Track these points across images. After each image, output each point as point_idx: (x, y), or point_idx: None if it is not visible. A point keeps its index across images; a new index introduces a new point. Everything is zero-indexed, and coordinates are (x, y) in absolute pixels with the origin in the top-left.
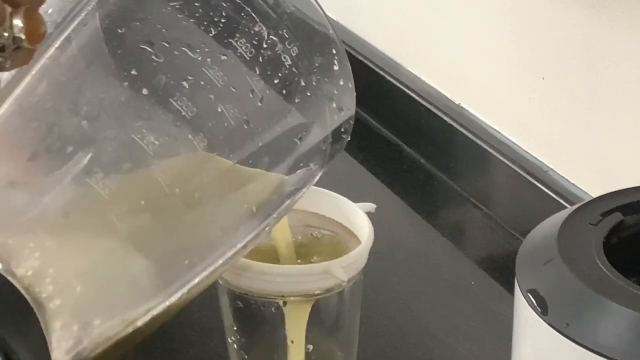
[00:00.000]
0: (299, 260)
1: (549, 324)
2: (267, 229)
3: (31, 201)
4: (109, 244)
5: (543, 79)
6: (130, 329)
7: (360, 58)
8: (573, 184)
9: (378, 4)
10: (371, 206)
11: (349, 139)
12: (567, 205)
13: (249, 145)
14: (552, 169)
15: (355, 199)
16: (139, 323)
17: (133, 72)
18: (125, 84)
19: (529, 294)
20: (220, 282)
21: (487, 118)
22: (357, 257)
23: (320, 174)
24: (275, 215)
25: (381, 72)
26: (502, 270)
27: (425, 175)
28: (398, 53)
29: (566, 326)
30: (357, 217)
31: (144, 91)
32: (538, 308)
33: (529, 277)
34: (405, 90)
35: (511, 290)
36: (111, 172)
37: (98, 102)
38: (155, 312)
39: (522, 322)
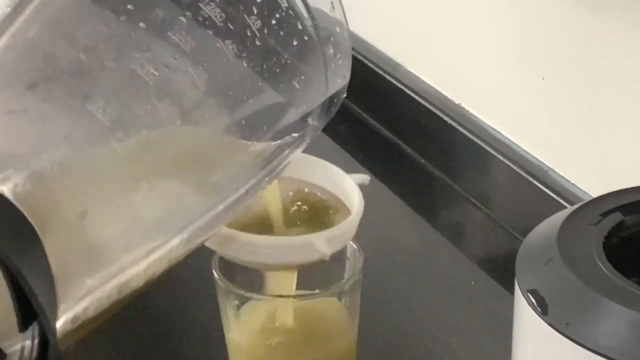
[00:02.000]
0: (290, 229)
1: (549, 324)
2: (267, 178)
3: (31, 127)
4: (113, 174)
5: (543, 79)
6: (126, 277)
7: (360, 58)
8: (573, 184)
9: (378, 4)
10: (365, 178)
11: (345, 95)
12: (567, 205)
13: (248, 83)
14: (552, 169)
15: None
16: (141, 267)
17: (129, 7)
18: (122, 18)
19: (529, 294)
20: (209, 246)
21: (487, 118)
22: (343, 230)
23: (317, 129)
24: (275, 164)
25: (381, 72)
26: (502, 270)
27: (425, 175)
28: (398, 53)
29: (566, 326)
30: (349, 189)
31: (142, 25)
32: (538, 308)
33: (529, 277)
34: (405, 90)
35: (511, 290)
36: (111, 100)
37: (95, 34)
38: (156, 255)
39: (522, 322)
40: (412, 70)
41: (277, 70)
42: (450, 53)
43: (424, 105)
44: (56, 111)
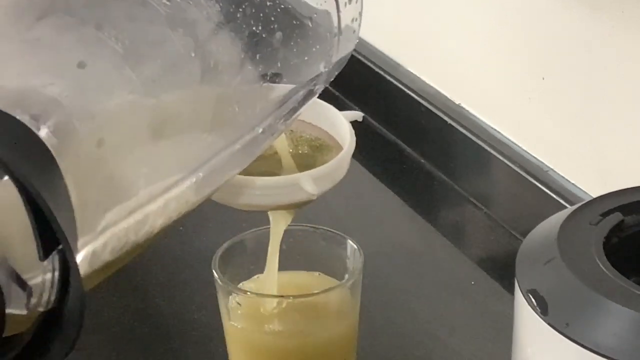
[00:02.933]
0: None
1: (549, 324)
2: (282, 120)
3: (43, 55)
4: (129, 102)
5: (543, 79)
6: (144, 214)
7: (360, 58)
8: (573, 184)
9: (378, 4)
10: (358, 114)
11: (359, 38)
12: (567, 205)
13: (261, 16)
14: (552, 169)
15: (355, 199)
16: (159, 204)
17: None
18: None
19: (529, 294)
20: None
21: (487, 118)
22: (331, 169)
23: (331, 75)
24: (290, 104)
25: (381, 72)
26: (502, 270)
27: (425, 175)
28: (398, 53)
29: (566, 326)
30: (340, 126)
31: None
32: (538, 308)
33: (529, 277)
34: (405, 90)
35: (511, 290)
36: (124, 28)
37: None
38: (173, 193)
39: (522, 322)
40: (412, 70)
41: (289, 7)
42: (450, 53)
43: (424, 105)
44: (68, 40)
